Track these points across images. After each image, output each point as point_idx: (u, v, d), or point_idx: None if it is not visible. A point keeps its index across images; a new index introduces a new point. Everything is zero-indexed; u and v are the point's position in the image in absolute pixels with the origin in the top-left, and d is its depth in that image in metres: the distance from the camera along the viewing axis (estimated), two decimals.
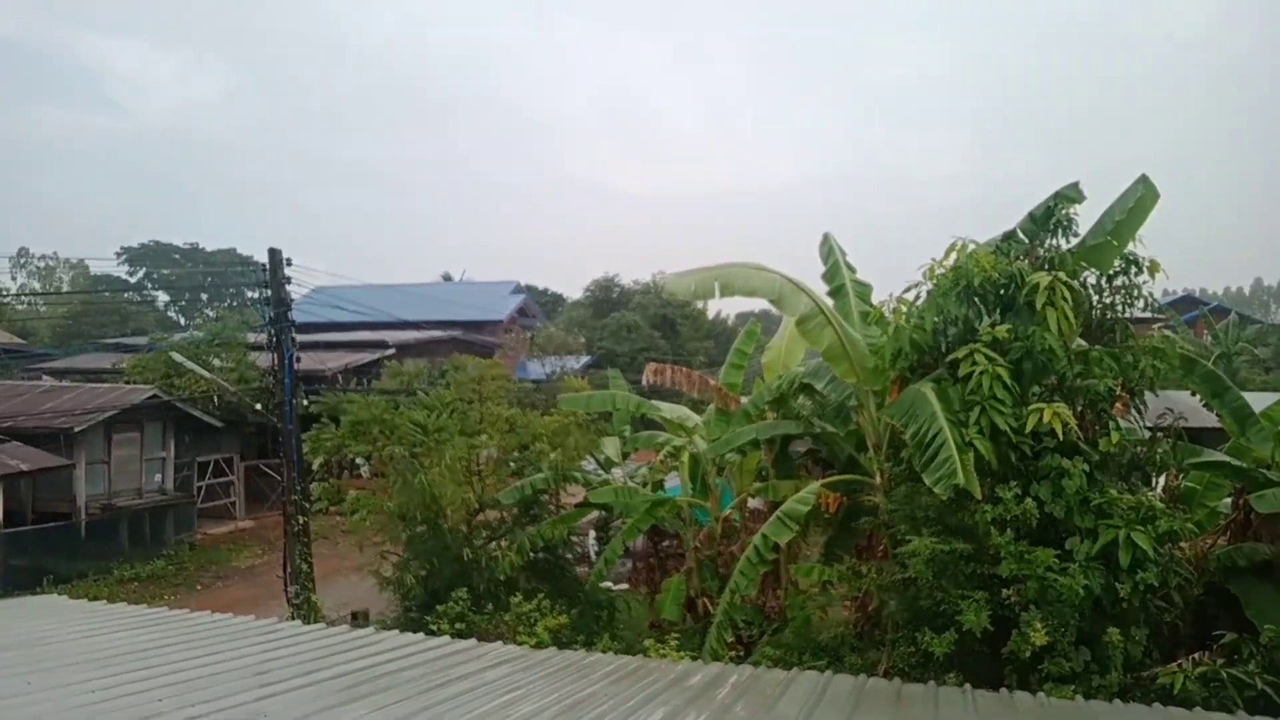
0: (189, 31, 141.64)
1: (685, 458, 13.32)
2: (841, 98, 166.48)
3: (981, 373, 7.59)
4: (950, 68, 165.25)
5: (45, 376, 31.25)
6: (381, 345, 33.79)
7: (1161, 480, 8.47)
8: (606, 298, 55.84)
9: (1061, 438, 7.29)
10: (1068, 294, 7.71)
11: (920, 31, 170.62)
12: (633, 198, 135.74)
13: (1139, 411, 8.40)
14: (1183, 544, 7.85)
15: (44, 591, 17.27)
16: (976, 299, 8.28)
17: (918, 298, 8.96)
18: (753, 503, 12.93)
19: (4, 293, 39.35)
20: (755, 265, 10.16)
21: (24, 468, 19.45)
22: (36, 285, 69.34)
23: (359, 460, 16.45)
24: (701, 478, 13.24)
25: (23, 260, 69.60)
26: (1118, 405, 8.12)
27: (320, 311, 31.52)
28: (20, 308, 50.22)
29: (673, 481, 14.87)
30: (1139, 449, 8.14)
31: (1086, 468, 7.35)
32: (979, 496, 7.29)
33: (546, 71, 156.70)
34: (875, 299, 10.78)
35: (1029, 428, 7.45)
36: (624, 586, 15.35)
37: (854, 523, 10.32)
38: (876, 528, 9.63)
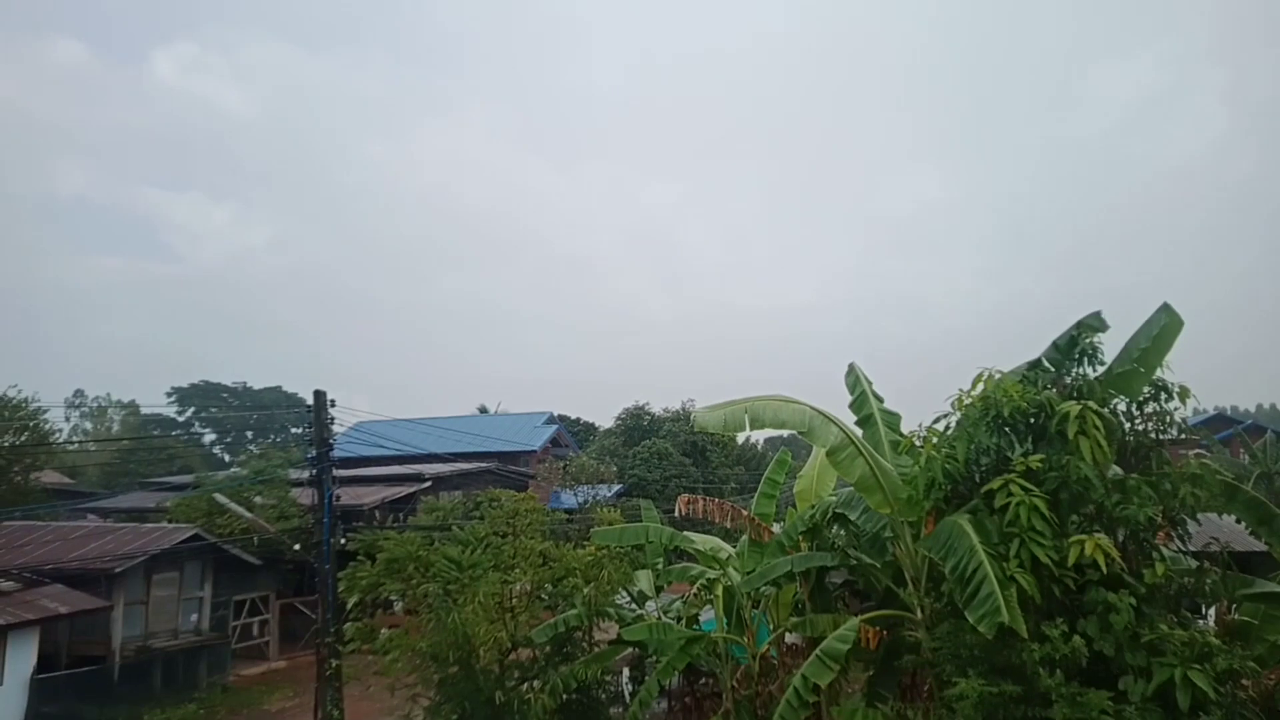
0: (241, 183, 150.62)
1: (720, 591, 13.07)
2: (853, 225, 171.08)
3: (1018, 504, 7.54)
4: (958, 195, 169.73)
5: (90, 516, 31.76)
6: (418, 479, 33.98)
7: (1213, 613, 8.18)
8: (637, 426, 56.03)
9: (1105, 570, 7.14)
10: (1099, 422, 7.71)
11: (926, 162, 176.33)
12: (660, 325, 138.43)
13: (1183, 540, 8.21)
14: (1244, 682, 7.49)
15: None
16: (1007, 429, 8.31)
17: (947, 427, 9.00)
18: (790, 637, 12.56)
19: (56, 434, 40.50)
20: (783, 397, 10.29)
21: (62, 610, 19.54)
22: (89, 426, 71.32)
23: (393, 597, 16.34)
24: (737, 611, 12.94)
25: (77, 402, 71.93)
26: (1160, 534, 7.96)
27: (358, 447, 31.99)
28: (71, 448, 51.51)
29: (707, 615, 14.54)
30: (1186, 580, 7.91)
31: (1134, 601, 7.15)
32: (1025, 634, 7.09)
33: (574, 211, 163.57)
34: (903, 426, 10.83)
35: (1071, 560, 7.31)
36: None
37: (896, 660, 9.97)
38: (920, 666, 9.31)
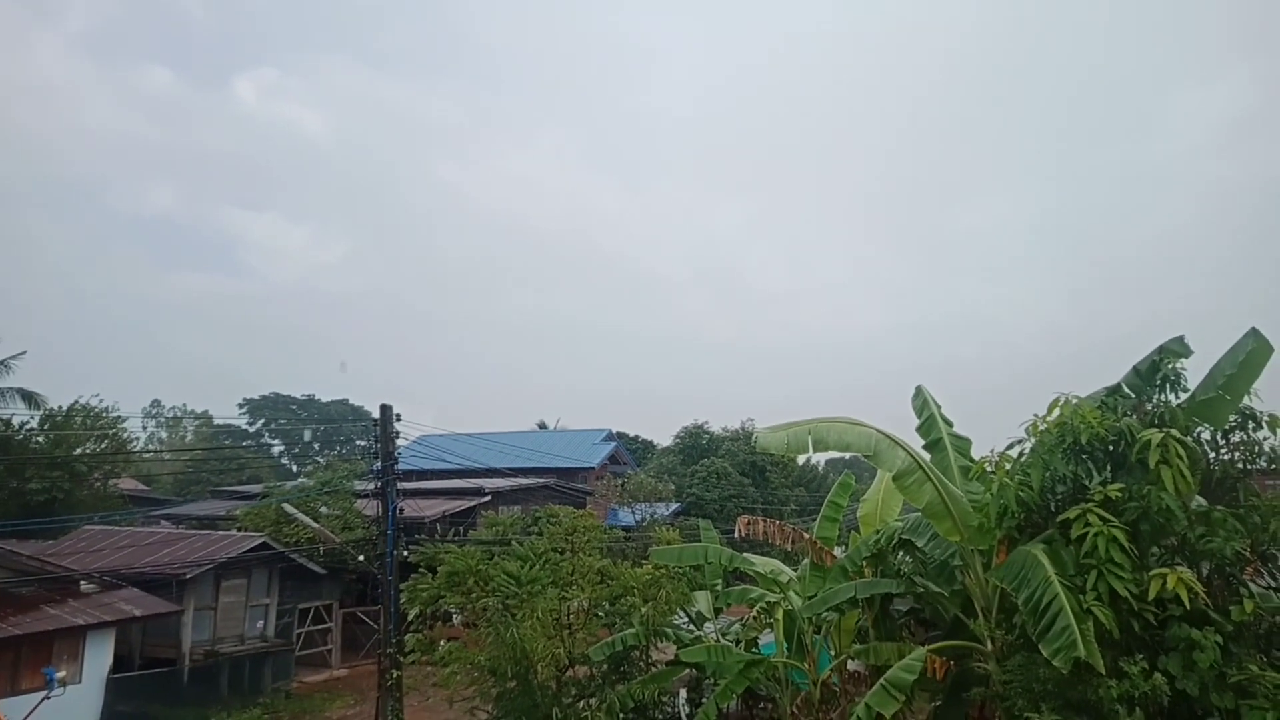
0: (317, 204, 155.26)
1: (780, 615, 12.88)
2: (923, 246, 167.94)
3: (1096, 534, 7.28)
4: (1033, 216, 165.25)
5: (164, 522, 32.90)
6: (479, 493, 34.38)
7: None
8: (696, 444, 55.82)
9: (1188, 605, 6.85)
10: (1182, 451, 7.42)
11: (1001, 182, 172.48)
12: (722, 346, 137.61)
13: (1273, 575, 7.83)
14: None
15: None
16: (1084, 456, 8.05)
17: (1021, 454, 8.75)
18: (852, 665, 12.30)
19: (133, 442, 42.13)
20: (848, 419, 10.14)
21: (136, 613, 20.22)
22: (165, 435, 74.06)
23: (452, 610, 16.53)
24: (797, 636, 12.73)
25: (155, 411, 74.83)
26: (1248, 569, 7.60)
27: (421, 461, 32.55)
28: (148, 456, 53.53)
29: (767, 639, 14.34)
30: (1277, 618, 7.52)
31: (1220, 639, 6.83)
32: (1102, 670, 6.82)
33: (639, 231, 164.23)
34: (973, 452, 10.57)
35: (1152, 594, 7.03)
36: None
37: (964, 693, 9.69)
38: (990, 699, 9.02)
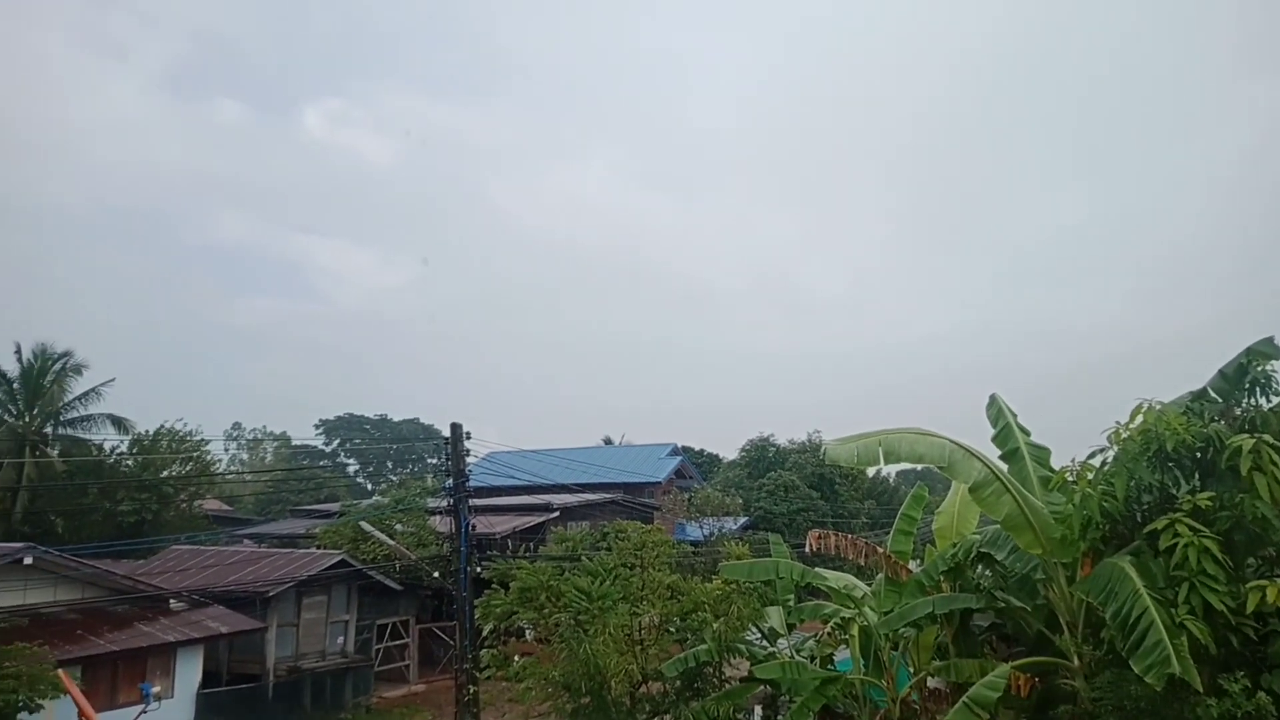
0: (382, 229, 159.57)
1: (855, 631, 12.68)
2: (989, 252, 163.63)
3: (1186, 545, 7.02)
4: (1107, 216, 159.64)
5: (246, 541, 34.03)
6: (547, 508, 34.70)
7: None
8: (762, 457, 55.36)
9: None
10: (1276, 457, 7.10)
11: (1072, 183, 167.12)
12: (782, 357, 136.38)
13: None
14: None
15: None
16: (1171, 464, 7.77)
17: (1104, 463, 8.48)
18: (932, 682, 12.02)
19: (216, 464, 43.77)
20: (920, 430, 9.97)
21: (223, 630, 20.96)
22: (245, 456, 76.76)
23: (524, 625, 16.70)
24: (874, 653, 12.50)
25: (235, 434, 77.63)
26: None
27: (490, 478, 33.02)
28: (230, 477, 55.51)
29: (842, 655, 14.11)
30: None
31: None
32: (1199, 687, 6.55)
33: (694, 246, 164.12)
34: (1053, 461, 10.27)
35: (1250, 607, 6.73)
36: None
37: (1052, 711, 9.38)
38: (1078, 717, 8.72)
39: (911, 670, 12.25)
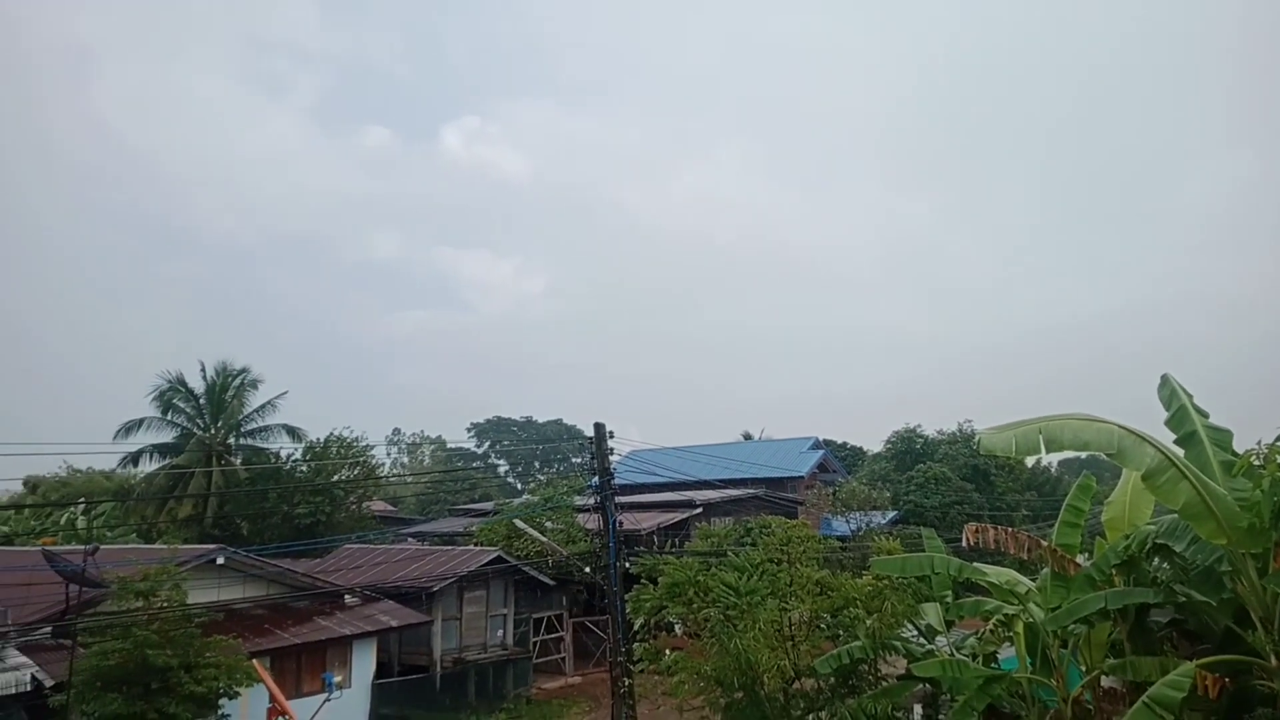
0: (521, 239, 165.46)
1: (1020, 628, 12.10)
2: (1152, 222, 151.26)
3: None
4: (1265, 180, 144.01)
5: (410, 540, 36.08)
6: (689, 505, 34.95)
7: None
8: (909, 449, 53.61)
9: None
10: None
11: (1244, 143, 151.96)
12: (926, 344, 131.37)
13: None
14: None
15: None
16: None
17: None
18: (1106, 681, 11.32)
19: (380, 468, 46.62)
20: (1084, 415, 9.41)
21: (393, 624, 22.30)
22: (405, 460, 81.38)
23: (673, 620, 16.94)
24: (1041, 651, 11.89)
25: (395, 438, 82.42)
26: None
27: (633, 475, 33.56)
28: (393, 480, 58.97)
29: (1006, 653, 13.50)
30: None
31: None
32: None
33: (831, 235, 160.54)
34: (1236, 445, 9.47)
35: None
36: None
37: (1246, 713, 8.68)
38: None
39: (1083, 669, 11.59)
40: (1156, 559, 10.41)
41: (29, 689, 14.29)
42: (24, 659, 14.93)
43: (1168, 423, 9.92)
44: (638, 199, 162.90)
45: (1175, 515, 9.11)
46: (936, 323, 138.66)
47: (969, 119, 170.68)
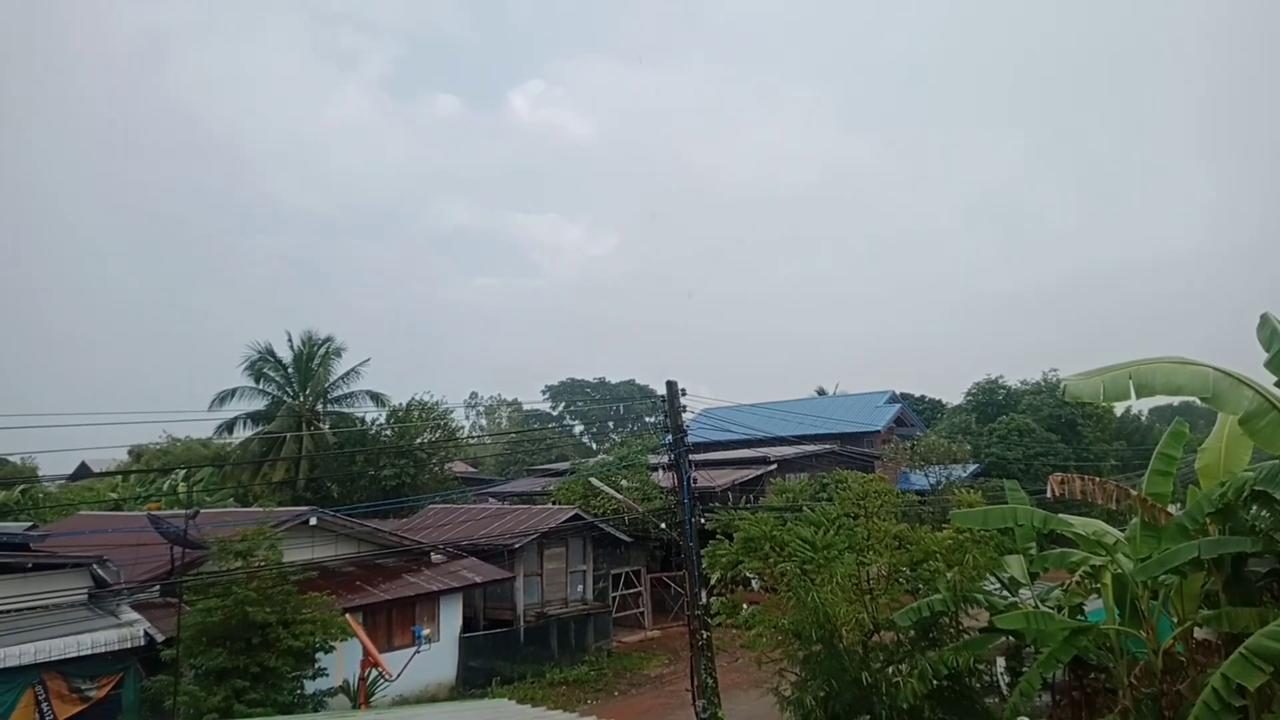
0: (589, 201, 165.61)
1: (1108, 579, 11.77)
2: (1256, 153, 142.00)
3: None
4: None
5: (491, 500, 37.05)
6: (763, 461, 34.91)
7: None
8: (991, 401, 52.24)
9: None
10: None
11: None
12: (1007, 293, 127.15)
13: None
14: None
15: (492, 692, 20.00)
16: None
17: None
18: (1200, 632, 10.96)
19: (460, 430, 47.82)
20: (1178, 359, 9.00)
21: (477, 580, 23.04)
22: (484, 422, 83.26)
23: (749, 574, 17.02)
24: (1130, 602, 11.56)
25: (473, 402, 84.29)
26: None
27: (707, 432, 33.65)
28: (472, 442, 60.50)
29: (1092, 605, 13.18)
30: None
31: None
32: None
33: (902, 184, 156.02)
34: None
35: None
36: None
37: None
38: None
39: (1174, 620, 11.24)
40: (1255, 506, 9.96)
41: (143, 643, 15.27)
42: (136, 615, 15.95)
43: (1268, 364, 9.38)
44: (704, 155, 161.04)
45: (1276, 461, 8.70)
46: (1017, 270, 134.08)
47: (1053, 53, 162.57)
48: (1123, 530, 12.33)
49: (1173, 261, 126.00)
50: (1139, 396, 8.75)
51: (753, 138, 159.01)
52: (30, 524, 24.15)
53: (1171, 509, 11.32)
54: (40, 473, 41.28)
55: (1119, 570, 11.44)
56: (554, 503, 29.60)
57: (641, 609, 28.70)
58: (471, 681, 21.62)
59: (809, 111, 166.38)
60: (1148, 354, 9.36)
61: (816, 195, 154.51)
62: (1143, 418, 66.77)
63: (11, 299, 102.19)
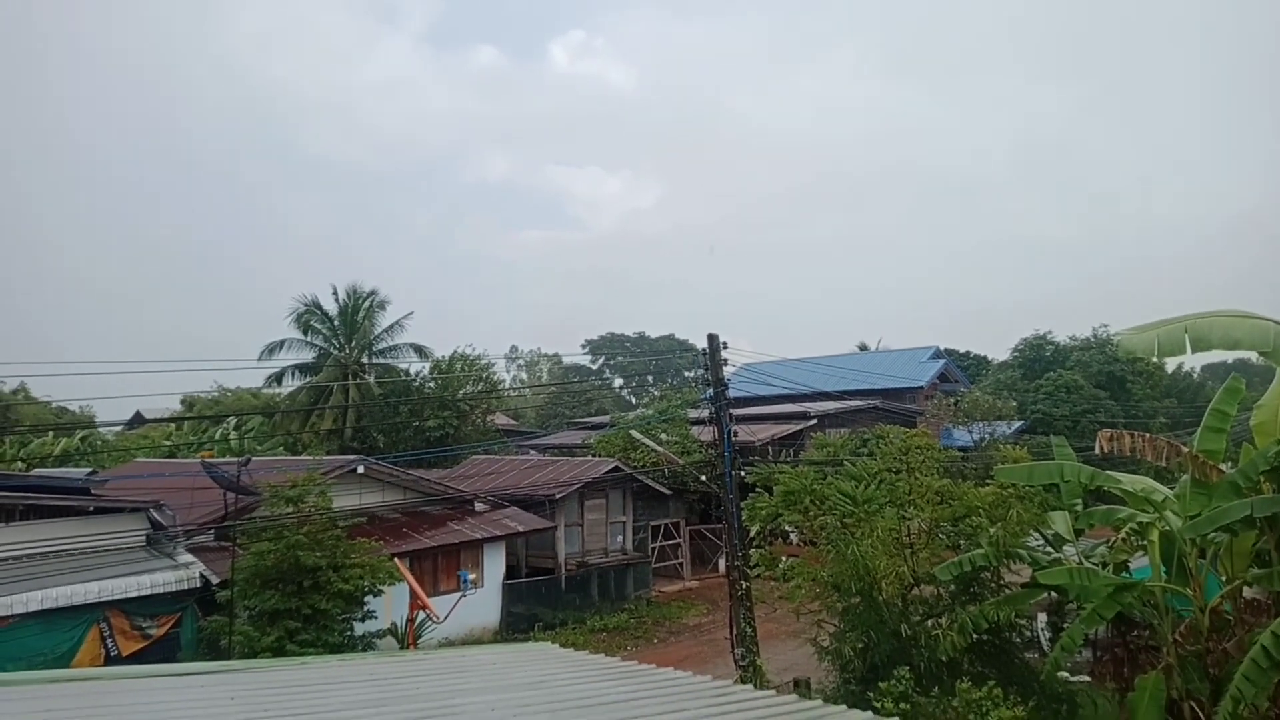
0: (630, 154, 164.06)
1: (1155, 536, 11.59)
2: None
3: None
4: None
5: (532, 451, 37.55)
6: (804, 416, 34.79)
7: None
8: (1038, 357, 51.23)
9: None
10: None
11: None
12: (1058, 246, 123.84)
13: None
14: None
15: (535, 636, 20.47)
16: None
17: None
18: (1249, 591, 10.78)
19: (501, 383, 48.34)
20: (1236, 312, 8.75)
21: (520, 529, 23.48)
22: (525, 375, 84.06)
23: (788, 528, 17.09)
24: (1178, 560, 11.38)
25: (514, 355, 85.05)
26: None
27: (747, 386, 33.54)
28: (514, 395, 61.19)
29: (1138, 562, 13.02)
30: None
31: None
32: None
33: (952, 134, 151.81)
34: None
35: None
36: (1084, 679, 13.66)
37: None
38: None
39: (1222, 579, 11.06)
40: None
41: (199, 585, 15.89)
42: (192, 558, 16.57)
43: None
44: (748, 107, 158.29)
45: None
46: (1071, 225, 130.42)
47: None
48: (1171, 488, 12.10)
49: (1230, 216, 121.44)
50: (1195, 351, 8.55)
51: (798, 89, 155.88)
52: (90, 469, 25.08)
53: (1224, 467, 11.08)
54: (97, 420, 42.70)
55: (1167, 527, 11.26)
56: (594, 455, 29.90)
57: (680, 560, 29.05)
58: (515, 626, 22.16)
59: (858, 63, 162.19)
60: (1201, 309, 9.11)
61: (864, 147, 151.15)
62: (1195, 375, 65.10)
63: (67, 257, 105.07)
